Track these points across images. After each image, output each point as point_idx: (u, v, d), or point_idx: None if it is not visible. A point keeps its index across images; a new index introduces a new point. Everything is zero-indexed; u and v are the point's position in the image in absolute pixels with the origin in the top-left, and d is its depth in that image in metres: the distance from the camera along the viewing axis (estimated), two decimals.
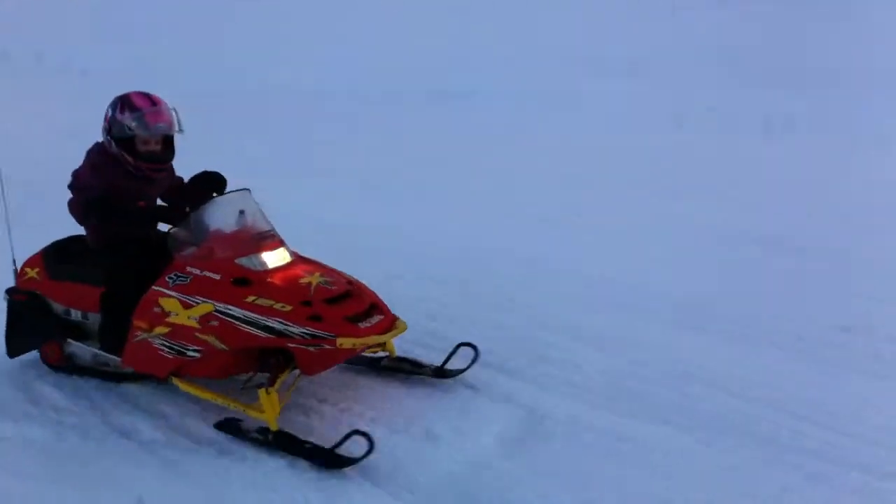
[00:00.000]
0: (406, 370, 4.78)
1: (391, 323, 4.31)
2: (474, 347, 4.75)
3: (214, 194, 4.60)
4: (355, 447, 3.90)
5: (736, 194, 8.74)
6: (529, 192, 8.93)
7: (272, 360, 4.19)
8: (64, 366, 4.94)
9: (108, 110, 4.52)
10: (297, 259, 4.48)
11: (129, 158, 4.46)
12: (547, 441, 4.13)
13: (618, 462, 3.93)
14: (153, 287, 4.27)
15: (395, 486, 3.79)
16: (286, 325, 4.03)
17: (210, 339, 4.14)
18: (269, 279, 4.24)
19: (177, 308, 4.18)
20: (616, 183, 9.25)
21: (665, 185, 9.13)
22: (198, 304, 4.14)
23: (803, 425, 4.21)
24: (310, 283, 4.28)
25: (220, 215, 4.38)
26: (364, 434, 3.91)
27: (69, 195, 4.61)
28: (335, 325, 4.07)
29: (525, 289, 6.13)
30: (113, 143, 4.47)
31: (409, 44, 20.67)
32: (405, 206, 8.50)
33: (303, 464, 3.94)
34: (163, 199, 4.80)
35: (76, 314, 4.81)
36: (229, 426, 4.18)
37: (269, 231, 4.45)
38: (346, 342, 4.04)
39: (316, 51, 20.33)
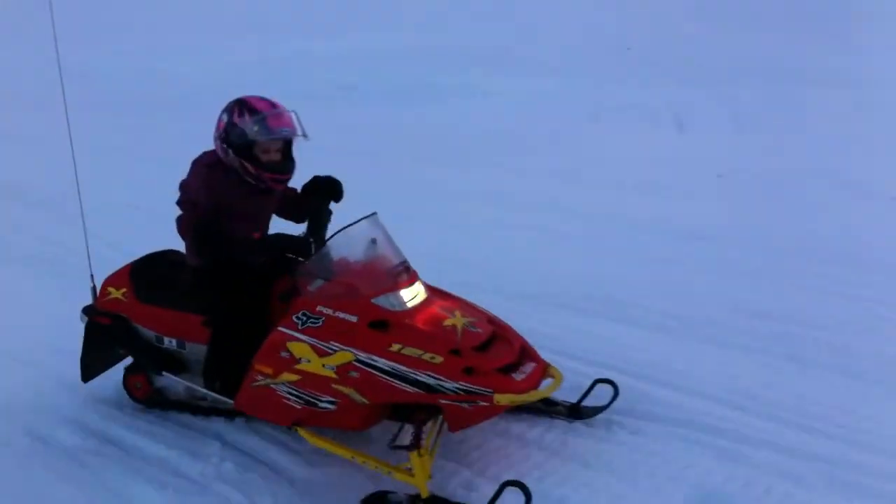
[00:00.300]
0: (537, 407, 4.36)
1: (544, 371, 3.88)
2: (613, 384, 4.36)
3: (332, 204, 4.19)
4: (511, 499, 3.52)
5: (644, 185, 8.73)
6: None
7: (420, 415, 3.75)
8: (153, 400, 4.45)
9: (222, 115, 3.98)
10: (431, 294, 4.01)
11: (251, 168, 3.95)
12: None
13: None
14: (279, 328, 3.77)
15: None
16: (439, 380, 3.58)
17: (349, 391, 3.68)
18: (409, 322, 3.77)
19: (309, 354, 3.71)
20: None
21: (584, 175, 9.22)
22: (334, 351, 3.66)
23: None
24: (455, 327, 3.83)
25: (351, 247, 3.88)
26: (518, 484, 3.51)
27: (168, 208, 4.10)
28: (491, 380, 3.63)
29: None
30: (230, 152, 3.94)
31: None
32: None
33: None
34: (278, 214, 4.33)
35: (170, 343, 4.30)
36: (376, 500, 3.72)
37: (403, 262, 3.96)
38: (503, 399, 3.60)
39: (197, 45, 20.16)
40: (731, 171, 9.11)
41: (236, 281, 4.07)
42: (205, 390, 4.17)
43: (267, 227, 4.23)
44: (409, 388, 3.60)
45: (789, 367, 4.77)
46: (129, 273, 4.38)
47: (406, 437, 3.66)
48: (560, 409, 4.33)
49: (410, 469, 3.61)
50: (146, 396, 4.47)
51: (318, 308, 3.75)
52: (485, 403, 3.61)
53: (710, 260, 6.48)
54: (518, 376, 3.73)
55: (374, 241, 3.92)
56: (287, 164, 4.05)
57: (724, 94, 13.35)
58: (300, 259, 4.04)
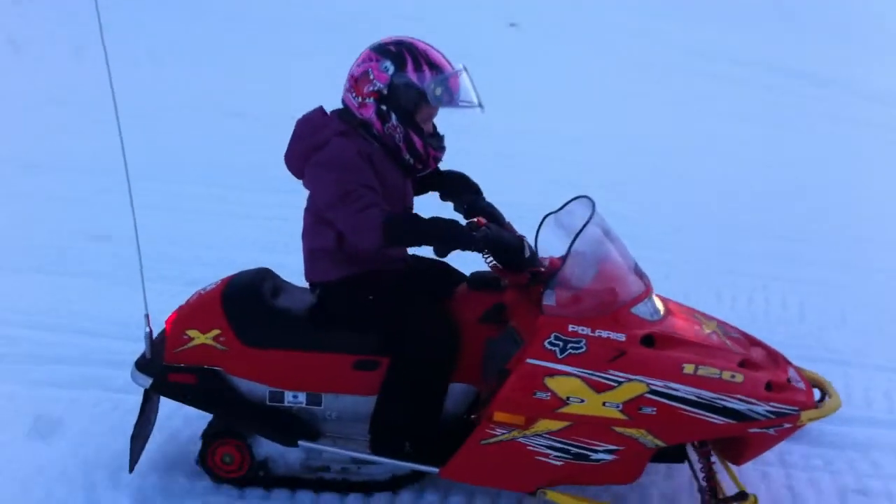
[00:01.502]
0: None
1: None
2: None
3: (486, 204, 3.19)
4: None
5: None
6: None
7: (709, 453, 2.96)
8: (253, 478, 3.15)
9: (385, 64, 2.89)
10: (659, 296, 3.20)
11: (418, 141, 2.93)
12: None
13: None
14: (529, 361, 2.76)
15: None
16: (750, 403, 2.81)
17: (638, 434, 2.78)
18: (679, 334, 2.95)
19: (582, 392, 2.74)
20: None
21: None
22: (619, 384, 2.74)
23: None
24: (716, 334, 3.07)
25: (594, 244, 2.95)
26: None
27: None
28: (793, 395, 2.93)
29: None
30: (393, 116, 2.89)
31: None
32: None
33: None
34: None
35: (295, 399, 3.06)
36: None
37: (634, 260, 3.11)
38: (807, 417, 2.92)
39: None
40: None
41: (415, 300, 2.97)
42: (371, 457, 3.02)
43: None
44: (718, 420, 2.79)
45: None
46: (222, 306, 3.04)
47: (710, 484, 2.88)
48: None
49: None
50: (243, 473, 3.15)
51: (571, 328, 2.78)
52: (789, 426, 2.91)
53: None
54: (800, 386, 3.06)
55: (607, 235, 3.03)
56: (442, 137, 3.08)
57: None
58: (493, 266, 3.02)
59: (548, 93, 9.57)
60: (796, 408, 2.87)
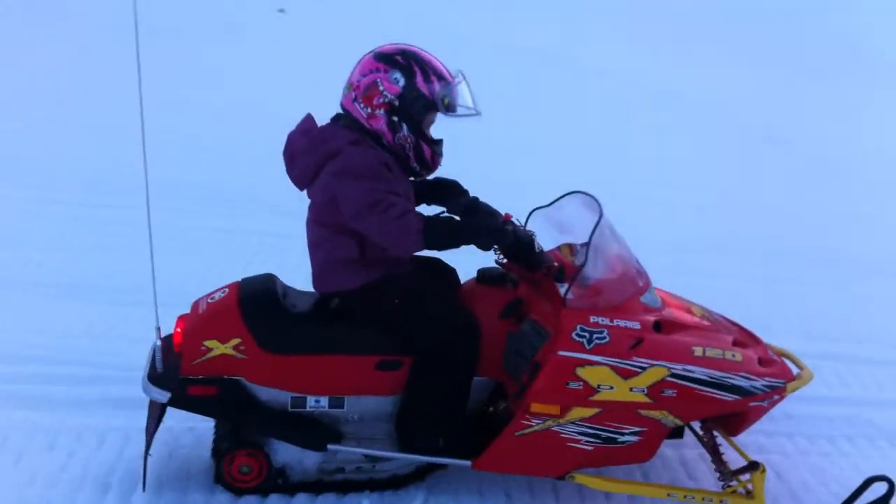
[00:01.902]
0: None
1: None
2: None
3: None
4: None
5: None
6: None
7: (713, 429, 3.21)
8: (270, 486, 3.13)
9: (394, 76, 2.91)
10: None
11: (427, 149, 2.99)
12: None
13: None
14: (561, 353, 2.89)
15: None
16: (751, 379, 3.08)
17: (661, 415, 2.98)
18: (680, 319, 3.19)
19: (610, 379, 2.91)
20: None
21: None
22: (643, 369, 2.93)
23: None
24: (705, 317, 3.33)
25: (606, 239, 3.11)
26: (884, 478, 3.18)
27: None
28: (781, 369, 3.24)
29: None
30: (404, 126, 2.93)
31: None
32: None
33: None
34: None
35: (317, 403, 3.06)
36: None
37: (634, 254, 3.31)
38: (791, 388, 3.24)
39: None
40: None
41: (438, 299, 3.04)
42: (401, 455, 3.07)
43: None
44: (727, 397, 3.04)
45: None
46: (241, 314, 2.98)
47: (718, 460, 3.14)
48: None
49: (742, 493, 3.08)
50: (261, 482, 3.11)
51: (593, 319, 2.94)
52: (777, 397, 3.21)
53: None
54: (777, 360, 3.38)
55: (612, 230, 3.19)
56: (441, 143, 3.09)
57: None
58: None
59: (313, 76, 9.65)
60: (784, 380, 3.17)
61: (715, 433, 3.30)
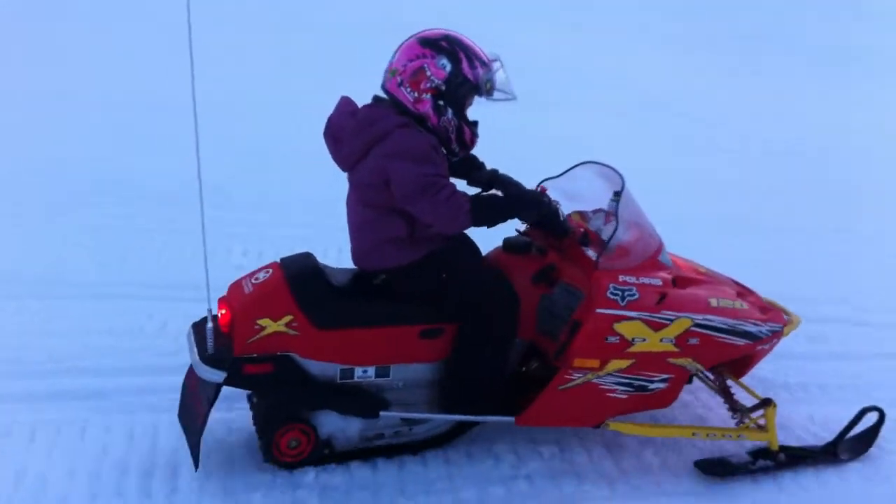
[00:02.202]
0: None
1: None
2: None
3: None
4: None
5: None
6: None
7: (723, 373, 3.51)
8: (319, 456, 3.23)
9: (441, 61, 3.02)
10: None
11: (468, 131, 3.13)
12: None
13: None
14: (599, 311, 3.10)
15: None
16: (758, 325, 3.40)
17: (686, 362, 3.25)
18: (689, 273, 3.47)
19: (644, 332, 3.15)
20: None
21: None
22: (671, 321, 3.18)
23: None
24: (708, 273, 3.62)
25: (630, 206, 3.33)
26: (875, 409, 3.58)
27: None
28: (778, 315, 3.57)
29: None
30: (449, 111, 3.05)
31: None
32: None
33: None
34: None
35: (365, 373, 3.18)
36: (719, 465, 3.36)
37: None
38: (786, 331, 3.58)
39: None
40: None
41: (480, 270, 3.20)
42: (449, 416, 3.23)
43: None
44: (740, 342, 3.34)
45: None
46: (292, 292, 3.04)
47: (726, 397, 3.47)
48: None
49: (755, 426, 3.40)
50: (310, 453, 3.20)
51: (622, 279, 3.17)
52: (776, 340, 3.54)
53: None
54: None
55: (617, 195, 3.40)
56: (476, 124, 3.22)
57: None
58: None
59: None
60: (781, 325, 3.49)
61: (724, 377, 3.58)
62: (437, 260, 3.12)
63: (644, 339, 3.14)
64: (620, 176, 3.25)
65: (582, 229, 3.31)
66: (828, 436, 3.61)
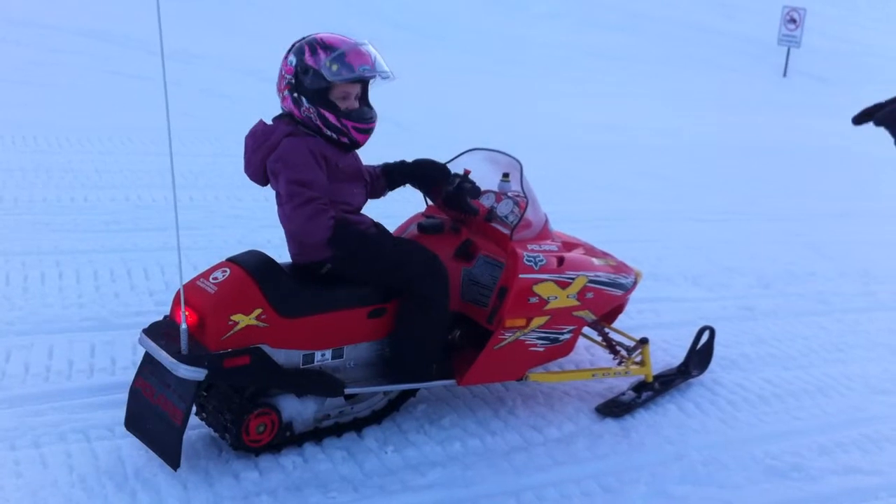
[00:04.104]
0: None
1: None
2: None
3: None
4: None
5: None
6: None
7: (602, 321, 4.13)
8: (282, 439, 3.42)
9: (289, 59, 3.36)
10: None
11: (331, 117, 3.33)
12: None
13: None
14: (521, 276, 3.59)
15: None
16: (627, 277, 4.09)
17: (584, 313, 3.84)
18: (567, 240, 4.08)
19: (555, 291, 3.68)
20: None
21: None
22: (573, 279, 3.75)
23: None
24: (574, 238, 4.26)
25: (528, 186, 3.82)
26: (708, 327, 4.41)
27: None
28: (628, 268, 4.25)
29: None
30: (304, 100, 3.32)
31: None
32: None
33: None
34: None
35: (323, 357, 3.43)
36: (614, 406, 3.96)
37: None
38: (638, 281, 4.30)
39: None
40: None
41: (413, 250, 3.55)
42: (400, 386, 3.55)
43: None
44: (618, 293, 3.99)
45: None
46: (259, 286, 3.21)
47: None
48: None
49: (635, 363, 4.08)
50: (274, 436, 3.37)
51: (530, 247, 3.70)
52: (631, 289, 4.23)
53: None
54: None
55: (506, 176, 3.91)
56: (369, 110, 3.49)
57: None
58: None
59: None
60: (634, 276, 4.19)
61: (601, 325, 4.20)
62: (364, 245, 3.38)
63: (556, 297, 3.68)
64: (516, 159, 3.75)
65: (485, 208, 3.77)
66: (675, 361, 4.40)
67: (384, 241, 3.48)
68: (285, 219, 3.37)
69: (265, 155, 3.32)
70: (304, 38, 3.38)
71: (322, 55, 3.27)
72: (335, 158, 3.35)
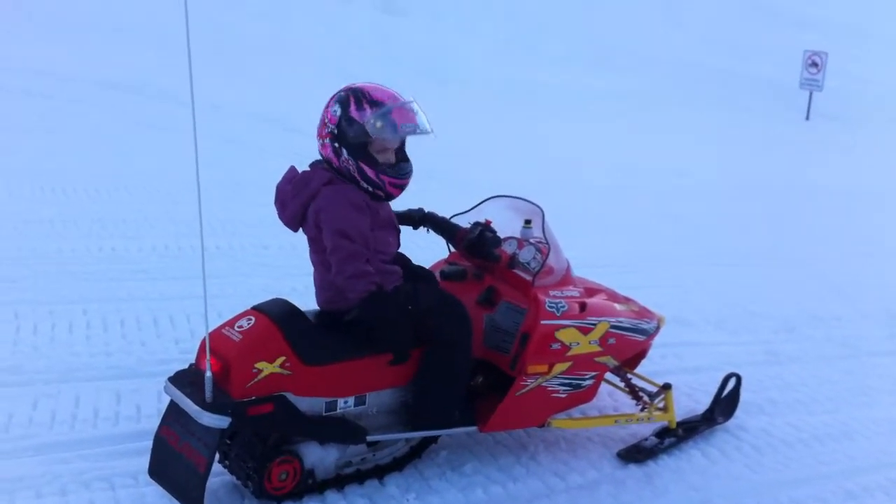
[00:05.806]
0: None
1: None
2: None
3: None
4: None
5: None
6: None
7: (624, 366, 4.12)
8: (304, 487, 3.43)
9: (333, 108, 3.39)
10: None
11: (369, 171, 3.39)
12: None
13: None
14: (543, 322, 3.61)
15: None
16: (648, 322, 4.09)
17: (606, 359, 3.85)
18: (589, 286, 4.09)
19: (577, 337, 3.70)
20: None
21: None
22: (595, 325, 3.76)
23: None
24: (595, 284, 4.27)
25: (550, 232, 3.85)
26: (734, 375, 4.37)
27: None
28: (651, 313, 4.25)
29: None
30: (344, 152, 3.37)
31: None
32: None
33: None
34: None
35: (346, 404, 3.44)
36: (637, 451, 3.94)
37: None
38: (661, 326, 4.30)
39: None
40: None
41: (441, 299, 3.56)
42: (422, 434, 3.56)
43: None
44: (641, 338, 4.00)
45: None
46: (283, 334, 3.25)
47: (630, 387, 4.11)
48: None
49: (658, 409, 4.06)
50: (296, 484, 3.38)
51: (552, 293, 3.72)
52: (654, 335, 4.23)
53: None
54: None
55: (528, 222, 3.94)
56: (406, 165, 3.56)
57: None
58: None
59: None
60: (657, 322, 4.20)
61: (624, 371, 4.20)
62: (403, 294, 3.44)
63: (578, 343, 3.69)
64: (538, 206, 3.79)
65: (507, 255, 3.80)
66: (699, 406, 4.37)
67: (412, 302, 3.44)
68: (327, 267, 3.35)
69: (305, 201, 3.34)
70: (349, 88, 3.40)
71: (368, 110, 3.30)
72: (375, 206, 3.41)
